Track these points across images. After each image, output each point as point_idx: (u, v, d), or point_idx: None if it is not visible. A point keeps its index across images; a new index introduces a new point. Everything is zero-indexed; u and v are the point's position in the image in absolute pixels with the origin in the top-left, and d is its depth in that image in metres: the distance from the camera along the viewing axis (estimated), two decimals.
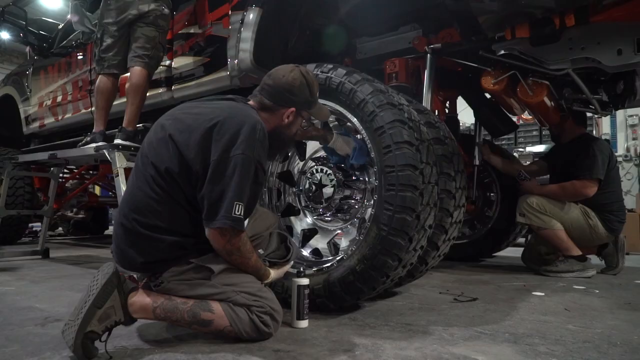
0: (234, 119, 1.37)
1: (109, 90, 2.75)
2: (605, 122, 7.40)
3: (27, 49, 4.48)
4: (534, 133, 7.06)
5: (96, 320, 1.24)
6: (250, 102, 1.56)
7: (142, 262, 1.35)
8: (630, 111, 7.05)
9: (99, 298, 1.26)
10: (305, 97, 1.55)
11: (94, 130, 2.81)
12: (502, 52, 2.17)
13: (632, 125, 7.32)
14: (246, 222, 1.48)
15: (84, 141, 2.87)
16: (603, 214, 2.86)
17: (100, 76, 2.76)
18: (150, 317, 1.36)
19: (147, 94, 2.77)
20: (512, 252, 3.77)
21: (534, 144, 6.89)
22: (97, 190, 6.58)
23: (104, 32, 2.70)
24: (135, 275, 1.39)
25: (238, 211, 1.30)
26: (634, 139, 7.30)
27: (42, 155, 3.47)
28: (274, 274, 1.53)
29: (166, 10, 2.73)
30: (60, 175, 4.12)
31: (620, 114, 7.19)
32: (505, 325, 1.64)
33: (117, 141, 2.61)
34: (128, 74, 2.72)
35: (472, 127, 3.53)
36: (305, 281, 1.58)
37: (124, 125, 2.68)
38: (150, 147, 1.42)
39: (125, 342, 1.37)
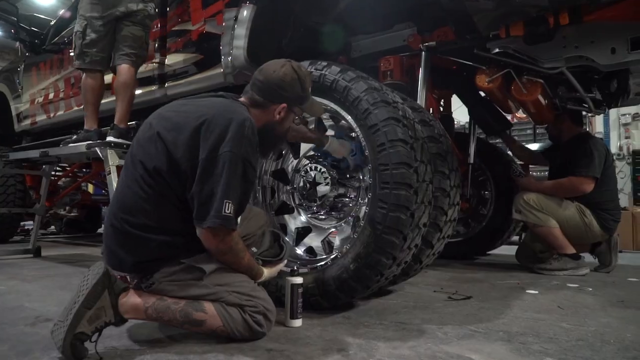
0: (222, 117, 1.34)
1: (96, 86, 2.74)
2: (598, 121, 7.43)
3: (18, 44, 4.44)
4: (529, 131, 7.09)
5: (85, 322, 1.22)
6: (242, 99, 1.54)
7: (132, 263, 1.33)
8: (623, 110, 7.06)
9: (88, 299, 1.24)
10: (296, 92, 1.53)
11: (86, 128, 2.78)
12: (497, 50, 2.17)
13: (625, 124, 7.35)
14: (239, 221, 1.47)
15: (74, 138, 2.84)
16: (598, 212, 2.87)
17: (85, 74, 2.74)
18: (141, 318, 1.34)
19: (140, 92, 2.76)
20: (507, 250, 3.78)
21: (528, 142, 6.92)
22: (90, 188, 6.53)
23: (88, 25, 2.67)
24: (126, 276, 1.37)
25: (228, 209, 1.28)
26: (626, 137, 7.32)
27: (34, 153, 3.44)
28: (267, 272, 1.52)
29: (152, 11, 2.74)
30: (53, 173, 4.08)
31: (613, 112, 7.21)
32: (498, 323, 1.64)
33: (110, 138, 2.59)
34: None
35: (467, 125, 3.53)
36: (299, 280, 1.57)
37: (115, 122, 2.66)
38: (139, 146, 1.40)
39: (115, 343, 1.36)
